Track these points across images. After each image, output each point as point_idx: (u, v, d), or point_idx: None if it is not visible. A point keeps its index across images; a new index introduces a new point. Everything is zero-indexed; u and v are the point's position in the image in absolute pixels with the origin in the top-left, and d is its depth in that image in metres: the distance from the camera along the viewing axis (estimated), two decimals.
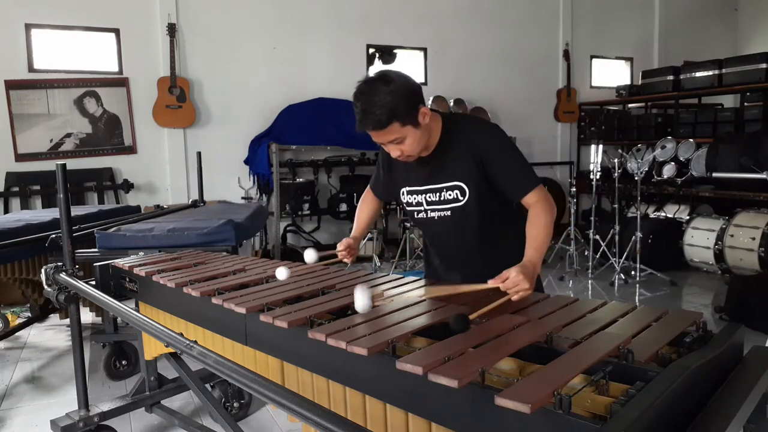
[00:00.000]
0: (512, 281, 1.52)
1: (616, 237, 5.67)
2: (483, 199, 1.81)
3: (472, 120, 1.90)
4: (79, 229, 3.38)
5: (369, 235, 6.12)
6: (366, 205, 2.16)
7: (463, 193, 1.81)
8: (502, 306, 1.51)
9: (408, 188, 1.93)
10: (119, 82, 6.15)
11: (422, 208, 1.90)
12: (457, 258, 1.96)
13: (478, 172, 1.78)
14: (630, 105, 8.80)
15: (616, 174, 5.72)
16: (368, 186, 2.17)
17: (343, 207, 6.74)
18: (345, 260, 2.04)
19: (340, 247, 2.03)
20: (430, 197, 1.87)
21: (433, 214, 1.88)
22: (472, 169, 1.78)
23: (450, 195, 1.83)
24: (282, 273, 1.91)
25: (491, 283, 1.54)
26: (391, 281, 1.97)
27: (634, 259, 5.59)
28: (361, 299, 1.51)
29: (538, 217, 1.73)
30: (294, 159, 6.69)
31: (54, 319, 4.53)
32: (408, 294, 1.76)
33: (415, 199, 1.91)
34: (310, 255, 2.03)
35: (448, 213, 1.85)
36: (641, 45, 9.10)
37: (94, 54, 6.11)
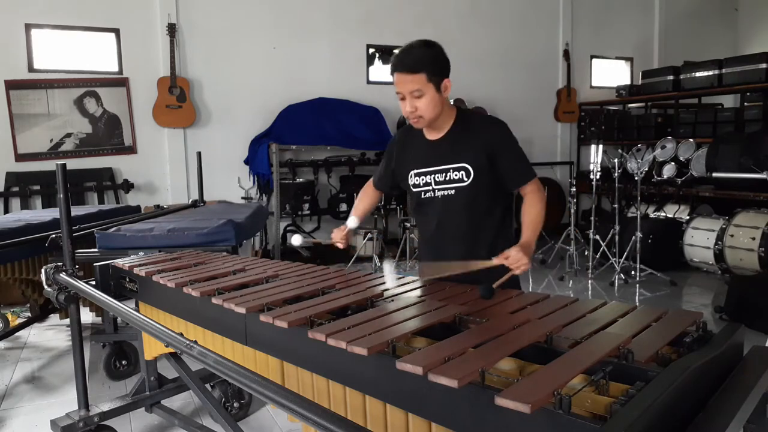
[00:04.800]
0: (514, 258, 1.78)
1: (616, 237, 5.67)
2: (483, 184, 2.00)
3: (483, 115, 2.13)
4: (79, 229, 3.38)
5: (369, 236, 6.12)
6: (365, 196, 2.37)
7: (468, 175, 1.99)
8: (501, 304, 1.52)
9: (416, 170, 2.10)
10: (119, 82, 6.16)
11: (430, 188, 2.07)
12: (451, 235, 2.10)
13: (486, 160, 1.98)
14: (630, 105, 8.80)
15: (616, 174, 5.72)
16: (370, 180, 2.37)
17: (343, 207, 6.74)
18: (338, 245, 2.20)
19: (335, 234, 2.20)
20: (438, 177, 2.05)
21: (438, 194, 2.06)
22: (480, 156, 1.98)
23: (456, 175, 2.01)
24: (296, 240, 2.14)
25: (496, 261, 1.80)
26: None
27: (634, 259, 5.59)
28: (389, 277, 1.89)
29: (534, 204, 1.99)
30: (294, 159, 6.69)
31: (54, 319, 4.53)
32: (409, 292, 1.77)
33: (423, 180, 2.09)
34: (296, 239, 2.24)
35: (453, 192, 2.03)
36: (641, 45, 9.10)
37: (94, 54, 6.11)
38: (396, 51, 1.95)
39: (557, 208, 7.83)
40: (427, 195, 2.09)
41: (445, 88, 1.94)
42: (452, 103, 6.98)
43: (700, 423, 1.03)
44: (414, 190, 2.12)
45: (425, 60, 1.89)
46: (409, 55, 1.90)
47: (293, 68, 6.84)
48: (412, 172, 2.11)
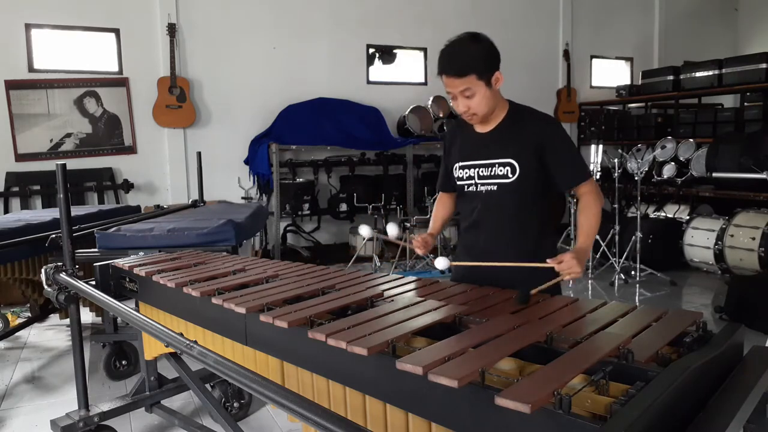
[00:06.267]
0: (567, 264, 1.72)
1: (616, 237, 5.67)
2: (528, 183, 1.93)
3: (537, 111, 2.03)
4: (79, 229, 3.38)
5: (369, 235, 6.11)
6: (440, 205, 2.30)
7: (513, 171, 1.93)
8: (501, 304, 1.52)
9: (461, 163, 2.05)
10: (119, 82, 6.15)
11: (473, 181, 2.02)
12: (491, 231, 2.03)
13: (534, 157, 1.91)
14: (630, 105, 8.79)
15: (616, 174, 5.72)
16: (438, 191, 2.31)
17: (343, 207, 6.74)
18: (418, 251, 2.11)
19: (417, 239, 2.11)
20: (482, 171, 1.99)
21: (481, 188, 2.00)
22: (528, 154, 1.91)
23: (501, 171, 1.95)
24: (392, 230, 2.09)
25: (550, 262, 1.74)
26: (393, 281, 1.98)
27: (634, 259, 5.59)
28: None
29: (589, 207, 1.92)
30: (294, 159, 6.69)
31: (54, 319, 4.53)
32: (409, 292, 1.77)
33: (466, 173, 2.03)
34: (392, 230, 2.21)
35: (495, 188, 1.97)
36: (641, 45, 9.10)
37: (94, 54, 6.11)
38: (442, 50, 1.86)
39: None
40: (470, 189, 2.03)
41: (496, 80, 1.88)
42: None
43: (700, 423, 1.03)
44: (458, 183, 2.07)
45: (473, 60, 1.83)
46: (456, 56, 1.83)
47: (293, 68, 6.84)
48: (457, 165, 2.06)
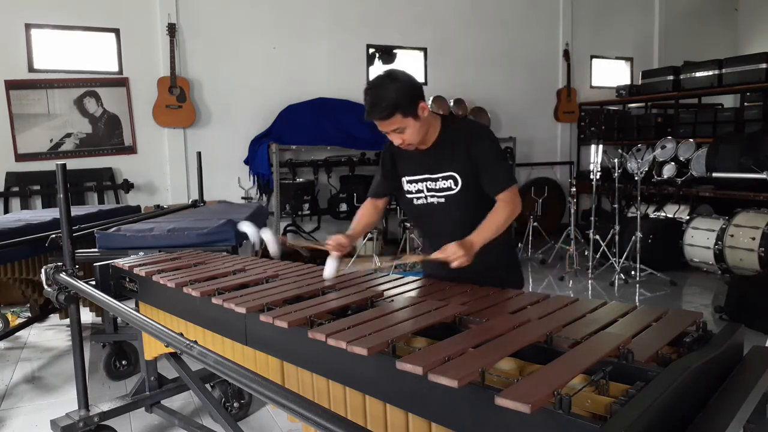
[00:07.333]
0: (450, 251, 1.83)
1: (616, 237, 5.67)
2: (472, 190, 2.03)
3: (468, 122, 2.17)
4: (79, 229, 3.38)
5: (369, 235, 6.12)
6: (366, 211, 2.35)
7: (456, 183, 2.03)
8: (501, 304, 1.51)
9: (408, 177, 2.15)
10: (119, 82, 6.15)
11: (423, 194, 2.12)
12: (447, 239, 2.04)
13: (470, 166, 2.01)
14: (630, 105, 8.80)
15: (616, 174, 5.72)
16: (367, 200, 2.35)
17: (343, 207, 6.74)
18: (333, 252, 2.09)
19: (331, 240, 2.10)
20: (429, 185, 2.09)
21: (431, 200, 2.10)
22: (465, 164, 2.02)
23: (445, 184, 2.05)
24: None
25: (434, 255, 1.87)
26: (393, 281, 1.98)
27: (634, 259, 5.59)
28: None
29: (496, 211, 1.96)
30: (294, 159, 6.69)
31: (54, 319, 4.53)
32: (406, 290, 1.77)
33: (415, 186, 2.13)
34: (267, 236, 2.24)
35: (443, 200, 2.07)
36: (641, 45, 9.10)
37: (94, 54, 6.11)
38: (365, 95, 1.91)
39: (557, 208, 7.83)
40: (420, 201, 2.12)
41: (423, 110, 1.94)
42: (452, 103, 6.95)
43: (700, 423, 1.03)
44: (407, 196, 2.16)
45: (394, 101, 1.88)
46: (377, 102, 1.89)
47: (293, 68, 6.84)
48: (405, 179, 2.15)
